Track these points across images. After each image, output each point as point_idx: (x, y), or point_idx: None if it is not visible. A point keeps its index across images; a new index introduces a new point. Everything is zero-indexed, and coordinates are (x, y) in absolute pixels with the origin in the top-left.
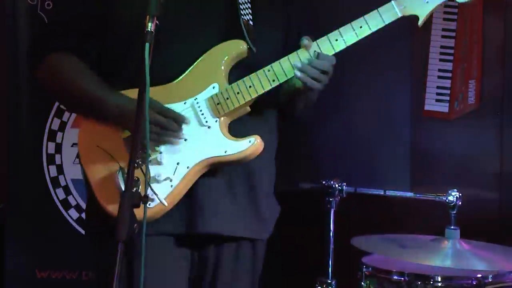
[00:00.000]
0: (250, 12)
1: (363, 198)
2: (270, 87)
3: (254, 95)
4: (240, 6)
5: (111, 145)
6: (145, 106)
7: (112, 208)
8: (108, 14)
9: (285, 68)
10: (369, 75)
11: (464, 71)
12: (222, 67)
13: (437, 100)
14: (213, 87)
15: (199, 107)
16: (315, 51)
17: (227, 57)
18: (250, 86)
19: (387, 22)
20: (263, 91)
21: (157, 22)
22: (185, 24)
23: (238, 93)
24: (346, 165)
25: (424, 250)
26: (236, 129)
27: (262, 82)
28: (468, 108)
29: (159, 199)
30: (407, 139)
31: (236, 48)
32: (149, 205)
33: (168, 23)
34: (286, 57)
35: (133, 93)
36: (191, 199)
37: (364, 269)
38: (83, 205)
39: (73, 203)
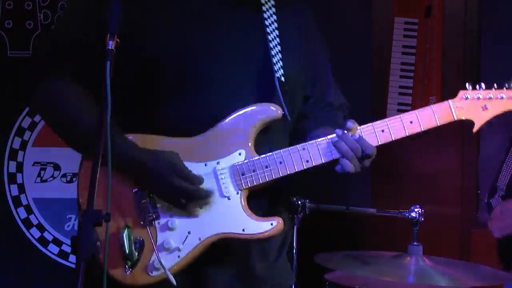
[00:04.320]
0: (280, 50)
1: (326, 215)
2: (303, 169)
3: (284, 173)
4: (271, 49)
5: (118, 197)
6: (106, 128)
7: (109, 265)
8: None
9: (322, 150)
10: None
11: (424, 88)
12: (252, 133)
13: None
14: (239, 154)
15: (221, 173)
16: (359, 136)
17: (260, 122)
18: (280, 162)
19: (440, 124)
20: (295, 171)
21: (118, 40)
22: (217, 71)
23: (266, 167)
24: (309, 182)
25: (386, 267)
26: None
27: (294, 161)
28: None
29: (168, 277)
30: None
31: (272, 114)
32: (151, 273)
33: (199, 66)
34: (325, 138)
35: (142, 139)
36: (197, 276)
37: (327, 286)
38: (45, 224)
39: (35, 222)
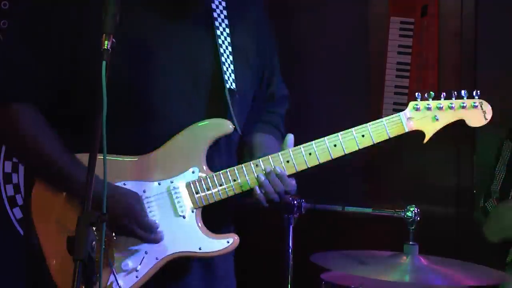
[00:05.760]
0: (231, 60)
1: (322, 215)
2: (257, 185)
3: (239, 191)
4: (221, 55)
5: (70, 218)
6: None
7: (62, 283)
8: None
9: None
10: (326, 92)
11: (420, 88)
12: (204, 149)
13: None
14: (193, 172)
15: (175, 193)
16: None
17: (211, 138)
18: (234, 180)
19: (391, 136)
20: (249, 188)
21: (113, 40)
22: (169, 87)
23: (221, 185)
24: (305, 182)
25: (382, 266)
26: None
27: (248, 177)
28: None
29: None
30: (364, 155)
31: (222, 129)
32: None
33: (150, 83)
34: (277, 154)
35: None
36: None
37: (323, 286)
38: None
39: None
